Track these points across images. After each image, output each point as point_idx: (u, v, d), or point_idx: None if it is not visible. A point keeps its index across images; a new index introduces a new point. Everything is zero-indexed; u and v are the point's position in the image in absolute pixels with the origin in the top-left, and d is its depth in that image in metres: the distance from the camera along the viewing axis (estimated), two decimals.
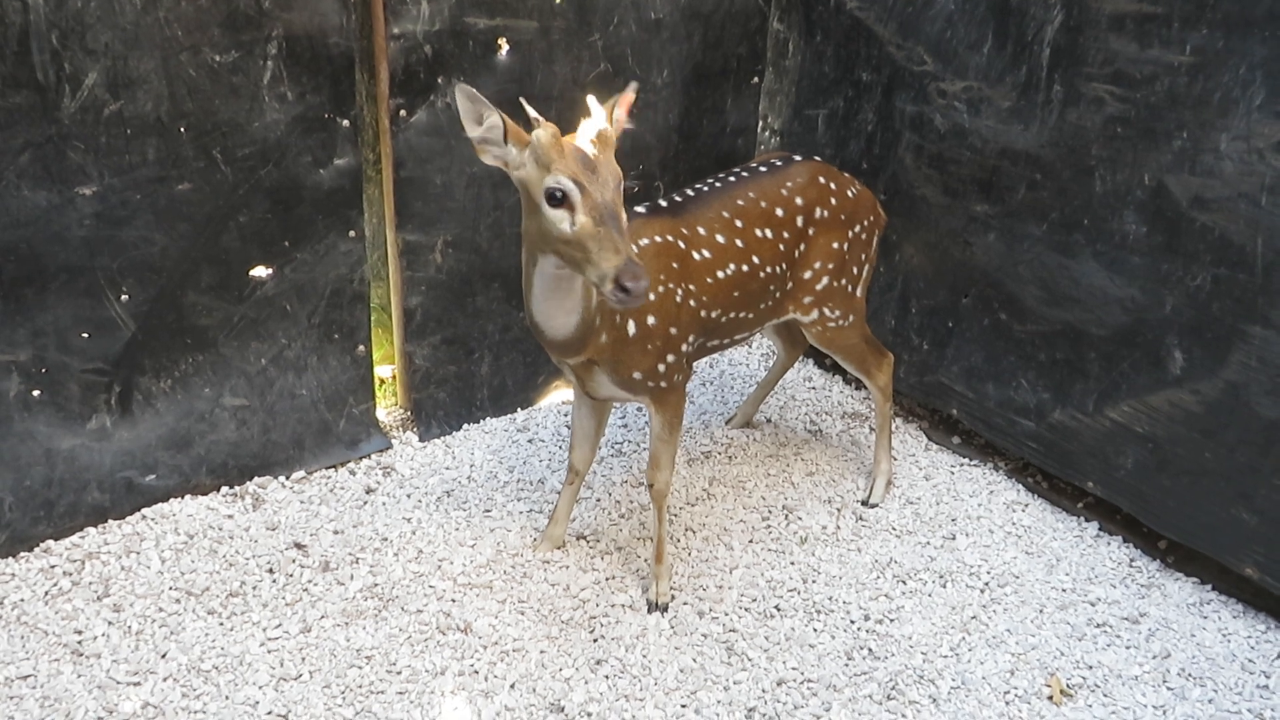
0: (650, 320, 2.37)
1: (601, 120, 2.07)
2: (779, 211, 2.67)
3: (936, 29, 3.09)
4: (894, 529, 3.02)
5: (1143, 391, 2.83)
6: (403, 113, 2.93)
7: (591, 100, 2.10)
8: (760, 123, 3.75)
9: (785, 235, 2.67)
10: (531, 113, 2.03)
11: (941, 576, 2.83)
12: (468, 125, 2.08)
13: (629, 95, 2.16)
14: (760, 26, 3.57)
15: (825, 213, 2.74)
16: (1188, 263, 2.66)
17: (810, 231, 2.72)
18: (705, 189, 2.66)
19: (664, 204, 2.57)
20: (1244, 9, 2.43)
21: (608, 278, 1.96)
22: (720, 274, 2.54)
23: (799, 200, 2.70)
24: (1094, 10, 2.70)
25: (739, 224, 2.59)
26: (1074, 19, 2.75)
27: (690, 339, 2.51)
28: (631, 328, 2.34)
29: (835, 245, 2.78)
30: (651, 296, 2.35)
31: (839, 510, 3.09)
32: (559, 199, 2.01)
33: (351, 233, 2.96)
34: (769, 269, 2.64)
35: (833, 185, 2.79)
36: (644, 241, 2.39)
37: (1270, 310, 2.51)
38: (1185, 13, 2.53)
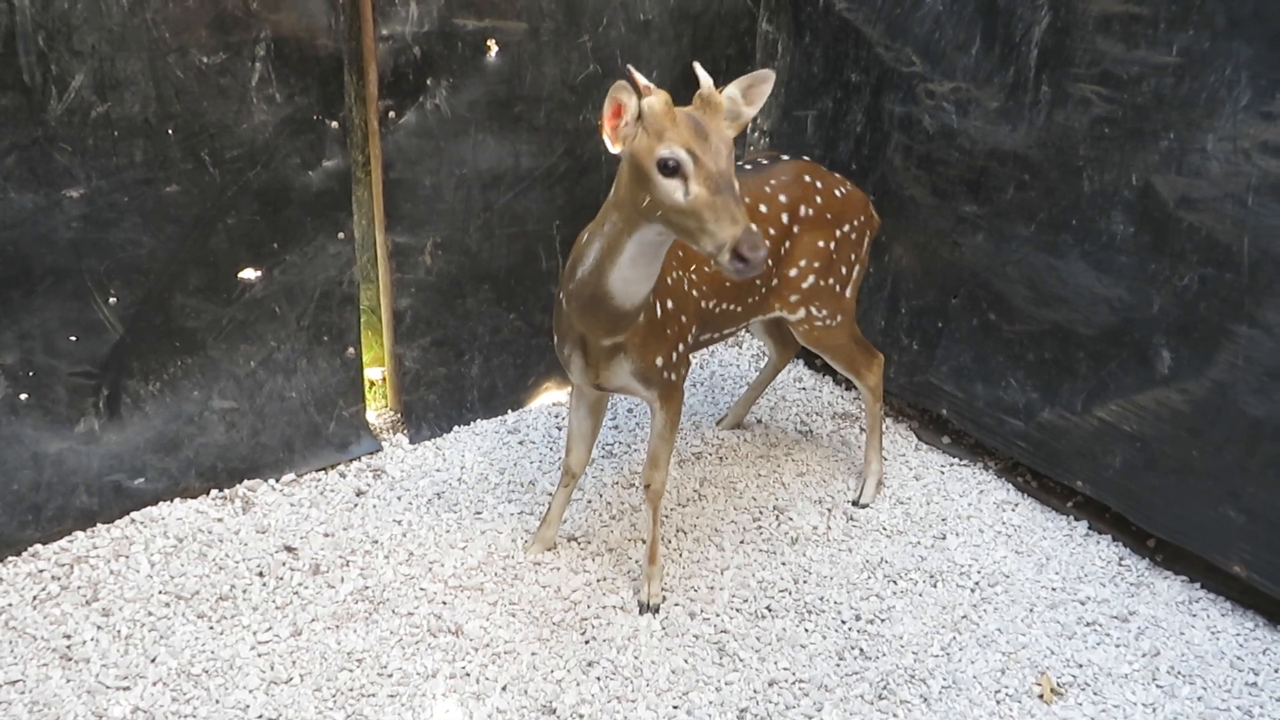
0: (669, 303, 2.39)
1: (709, 86, 2.02)
2: (762, 208, 2.68)
3: (925, 30, 3.10)
4: (884, 529, 3.03)
5: (1131, 391, 2.84)
6: (392, 114, 2.93)
7: (698, 67, 2.06)
8: (749, 124, 3.76)
9: (770, 231, 2.68)
10: (641, 81, 1.99)
11: (932, 576, 2.84)
12: (607, 117, 2.02)
13: (761, 82, 2.09)
14: (749, 28, 3.58)
15: (810, 211, 2.75)
16: (1175, 262, 2.67)
17: (795, 229, 2.73)
18: None
19: None
20: (1230, 10, 2.44)
21: (725, 247, 1.92)
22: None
23: (783, 198, 2.71)
24: (1081, 11, 2.72)
25: None
26: (1061, 20, 2.77)
27: (693, 329, 2.52)
28: (658, 309, 2.36)
29: (821, 244, 2.79)
30: (669, 280, 2.38)
31: (830, 510, 3.10)
32: (672, 168, 1.96)
33: (340, 235, 2.95)
34: None
35: (819, 184, 2.80)
36: None
37: (1256, 309, 2.53)
38: (1172, 14, 2.54)
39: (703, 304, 2.53)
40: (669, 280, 2.38)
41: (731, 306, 2.65)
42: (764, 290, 2.74)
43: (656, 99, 1.98)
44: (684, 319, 2.46)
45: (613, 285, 2.21)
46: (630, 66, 2.02)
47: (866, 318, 3.49)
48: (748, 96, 2.09)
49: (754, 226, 1.94)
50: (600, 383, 2.47)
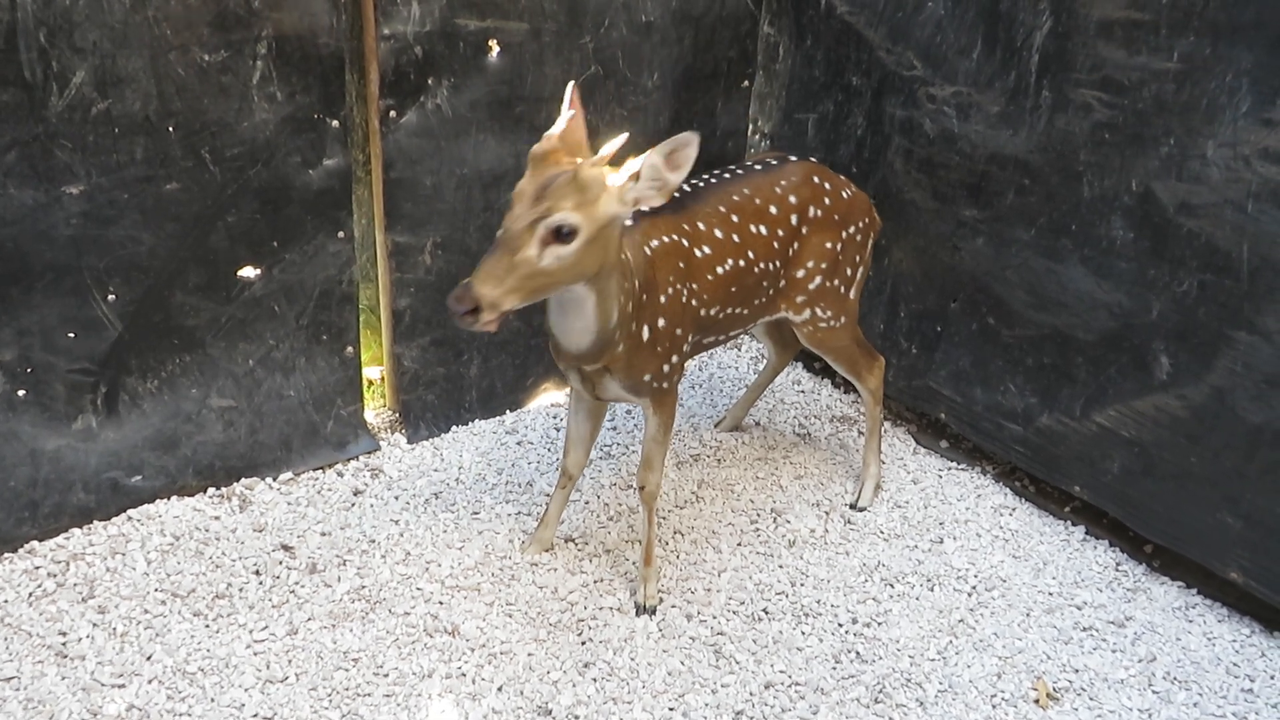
0: (661, 323, 2.39)
1: (603, 155, 2.05)
2: (772, 209, 2.68)
3: (926, 34, 3.10)
4: (882, 532, 3.03)
5: (1129, 396, 2.84)
6: (392, 114, 2.93)
7: (621, 139, 2.06)
8: (750, 126, 3.76)
9: (779, 233, 2.68)
10: (560, 120, 2.11)
11: (929, 580, 2.84)
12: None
13: (684, 146, 2.07)
14: (751, 30, 3.58)
15: (818, 212, 2.75)
16: (1174, 268, 2.67)
17: (803, 230, 2.73)
18: (701, 184, 2.66)
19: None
20: (1231, 16, 2.44)
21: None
22: (720, 270, 2.55)
23: (792, 199, 2.71)
24: (1082, 16, 2.72)
25: (734, 219, 2.61)
26: (1062, 25, 2.77)
27: (690, 338, 2.52)
28: (645, 333, 2.36)
29: (828, 245, 2.79)
30: (662, 299, 2.38)
31: (827, 513, 3.10)
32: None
33: (340, 234, 2.95)
34: (763, 265, 2.65)
35: (826, 185, 2.80)
36: (654, 243, 2.40)
37: (1256, 316, 2.53)
38: (1173, 20, 2.54)
39: (703, 312, 2.53)
40: (661, 299, 2.38)
41: (738, 310, 2.65)
42: (771, 292, 2.74)
43: (542, 141, 2.09)
44: (679, 332, 2.45)
45: (554, 329, 2.29)
46: (577, 98, 2.14)
47: (866, 321, 3.48)
48: (671, 161, 2.05)
49: (476, 292, 1.97)
50: (598, 394, 2.50)
